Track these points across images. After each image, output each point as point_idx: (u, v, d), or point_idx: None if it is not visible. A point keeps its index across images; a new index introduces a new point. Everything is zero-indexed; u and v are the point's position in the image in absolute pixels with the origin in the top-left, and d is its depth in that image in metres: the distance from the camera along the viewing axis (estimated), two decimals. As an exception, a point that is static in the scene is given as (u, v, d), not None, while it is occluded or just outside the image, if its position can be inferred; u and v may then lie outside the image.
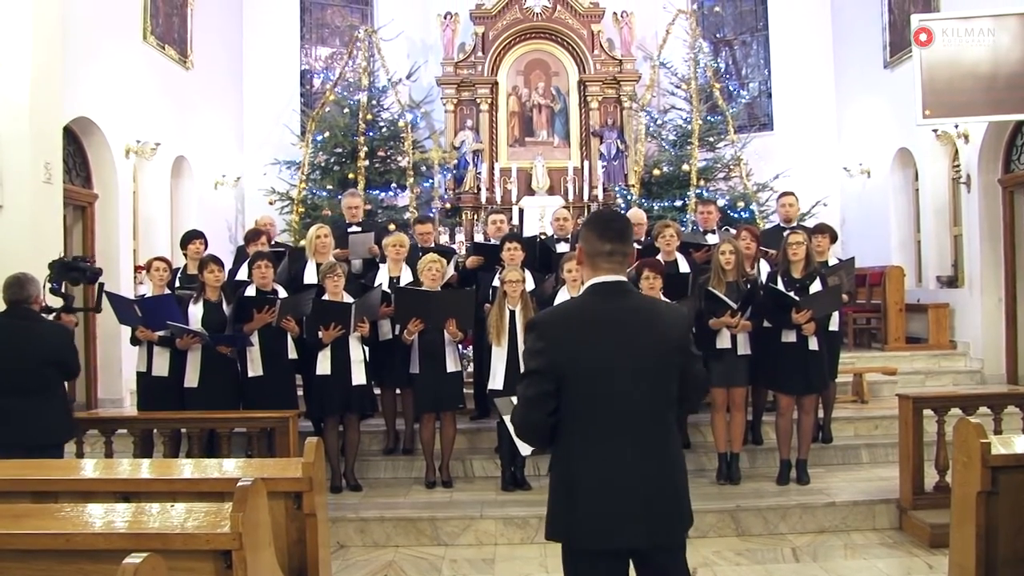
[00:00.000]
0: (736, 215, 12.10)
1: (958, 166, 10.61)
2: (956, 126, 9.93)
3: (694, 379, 3.10)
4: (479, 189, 13.36)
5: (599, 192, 13.26)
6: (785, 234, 7.15)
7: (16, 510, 3.38)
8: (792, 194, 8.45)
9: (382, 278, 7.36)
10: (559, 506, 2.98)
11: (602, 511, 2.88)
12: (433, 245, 8.04)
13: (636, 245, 8.15)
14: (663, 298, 6.13)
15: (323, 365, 6.72)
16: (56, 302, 6.16)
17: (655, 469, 2.92)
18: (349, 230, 8.22)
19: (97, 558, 2.97)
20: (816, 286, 6.66)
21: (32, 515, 3.26)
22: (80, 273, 6.38)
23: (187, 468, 4.55)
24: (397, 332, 7.00)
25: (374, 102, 13.16)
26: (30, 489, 3.98)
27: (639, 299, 3.19)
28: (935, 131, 10.56)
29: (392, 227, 9.93)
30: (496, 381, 6.65)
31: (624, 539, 2.89)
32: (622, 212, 3.27)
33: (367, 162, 12.68)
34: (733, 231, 8.11)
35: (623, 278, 3.05)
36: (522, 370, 3.06)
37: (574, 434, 2.93)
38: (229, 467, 4.32)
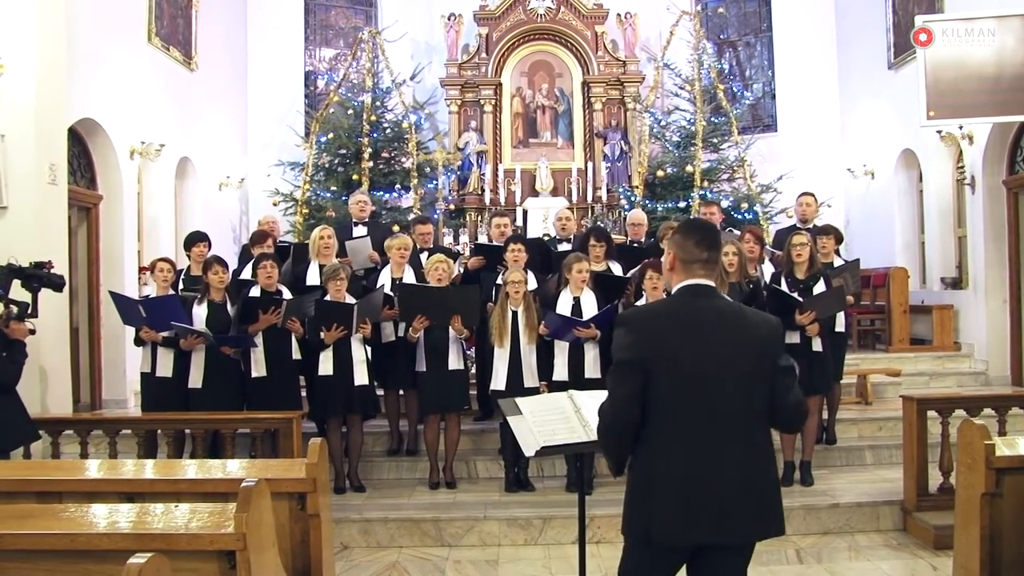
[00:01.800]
0: (740, 216, 12.10)
1: (962, 167, 10.60)
2: (960, 127, 9.91)
3: (788, 400, 3.03)
4: (483, 190, 13.37)
5: (603, 193, 13.26)
6: (789, 235, 7.16)
7: (21, 510, 3.39)
8: (811, 194, 8.48)
9: (385, 279, 7.37)
10: (640, 499, 3.00)
11: (682, 507, 2.90)
12: (432, 246, 8.05)
13: (636, 245, 8.22)
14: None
15: (325, 366, 6.73)
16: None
17: (735, 469, 2.93)
18: (354, 230, 8.23)
19: (101, 558, 2.98)
20: (820, 287, 6.66)
21: (36, 515, 3.27)
22: (39, 280, 6.34)
23: (191, 469, 4.55)
24: (402, 332, 7.01)
25: (378, 103, 13.17)
26: (34, 489, 3.99)
27: (729, 302, 3.20)
28: (939, 132, 10.54)
29: (396, 228, 9.93)
30: (498, 382, 6.65)
31: (700, 536, 2.93)
32: (713, 223, 3.31)
33: (371, 163, 12.69)
34: (736, 232, 8.11)
35: (713, 283, 3.10)
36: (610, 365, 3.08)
37: (657, 432, 2.96)
38: (233, 468, 4.34)
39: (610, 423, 3.04)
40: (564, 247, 7.86)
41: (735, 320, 3.05)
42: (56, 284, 6.60)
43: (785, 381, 3.05)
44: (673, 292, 3.14)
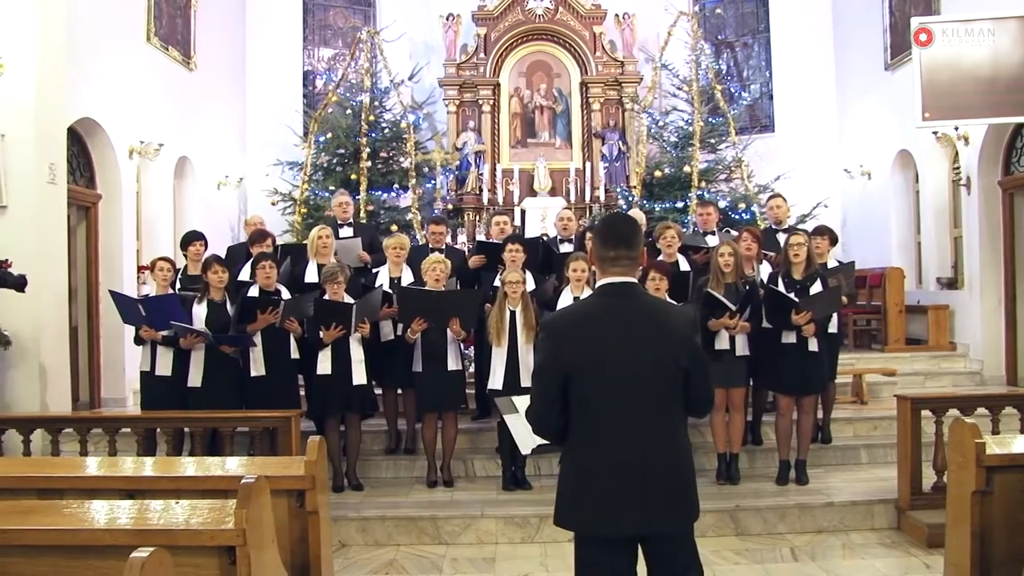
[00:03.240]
0: (737, 217, 12.13)
1: (958, 168, 10.64)
2: (956, 128, 9.96)
3: (700, 389, 3.16)
4: (481, 190, 13.41)
5: (601, 193, 13.30)
6: (786, 235, 7.20)
7: (23, 506, 3.42)
8: (780, 196, 8.58)
9: (383, 279, 7.40)
10: (566, 495, 3.13)
11: (604, 499, 3.01)
12: (444, 246, 8.08)
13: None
14: (669, 300, 6.15)
15: (324, 365, 6.76)
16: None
17: (657, 460, 3.03)
18: (340, 232, 8.24)
19: (103, 554, 3.01)
20: (816, 287, 6.69)
21: (39, 511, 3.30)
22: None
23: (191, 466, 4.59)
24: (400, 332, 7.05)
25: (376, 103, 13.18)
26: (36, 486, 4.03)
27: (646, 298, 3.30)
28: (935, 133, 10.60)
29: (394, 228, 9.97)
30: (496, 381, 6.69)
31: (625, 526, 3.02)
32: (630, 216, 3.39)
33: (369, 163, 12.70)
34: (734, 232, 8.15)
35: (631, 279, 3.18)
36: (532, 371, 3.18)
37: (581, 426, 3.07)
38: (232, 465, 4.37)
39: (533, 421, 3.18)
40: (566, 247, 7.89)
41: (649, 318, 3.14)
42: (16, 284, 6.63)
43: (699, 375, 3.14)
44: (593, 291, 3.29)
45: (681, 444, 3.13)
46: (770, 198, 8.64)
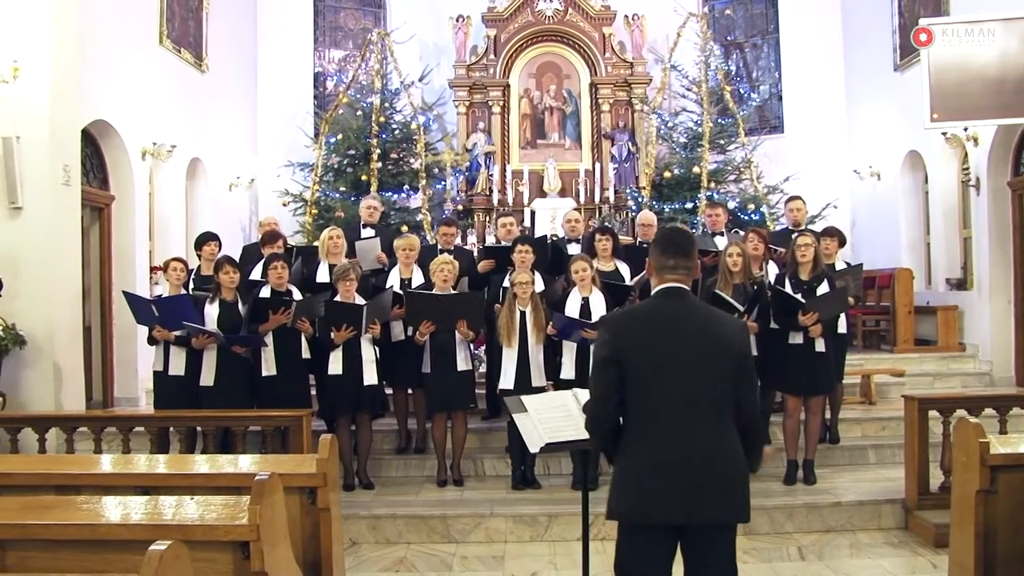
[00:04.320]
0: (747, 217, 12.16)
1: (967, 169, 10.64)
2: (965, 129, 9.95)
3: (748, 393, 3.30)
4: (491, 191, 13.43)
5: (610, 194, 13.31)
6: (794, 236, 7.22)
7: (43, 502, 3.50)
8: (800, 198, 8.56)
9: (393, 280, 7.46)
10: (621, 487, 3.27)
11: (653, 489, 3.14)
12: (453, 248, 8.13)
13: (645, 246, 8.26)
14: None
15: (335, 365, 6.82)
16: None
17: (709, 455, 3.15)
18: (362, 232, 8.32)
19: (120, 548, 3.08)
20: (824, 288, 6.71)
21: (57, 507, 3.38)
22: None
23: (204, 464, 4.65)
24: (409, 333, 7.10)
25: (387, 104, 13.26)
26: (53, 483, 4.10)
27: (699, 303, 3.49)
28: (945, 134, 10.59)
29: (404, 228, 10.03)
30: (506, 381, 6.75)
31: (669, 515, 3.14)
32: (687, 230, 3.56)
33: (380, 164, 12.77)
34: (741, 233, 8.18)
35: (685, 285, 3.35)
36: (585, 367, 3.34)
37: (637, 421, 3.22)
38: (245, 463, 4.44)
39: (592, 415, 3.32)
40: (573, 248, 7.94)
41: (702, 317, 3.34)
42: None
43: (748, 384, 3.32)
44: (652, 294, 3.44)
45: (733, 442, 3.24)
46: (789, 200, 8.64)
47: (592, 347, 3.37)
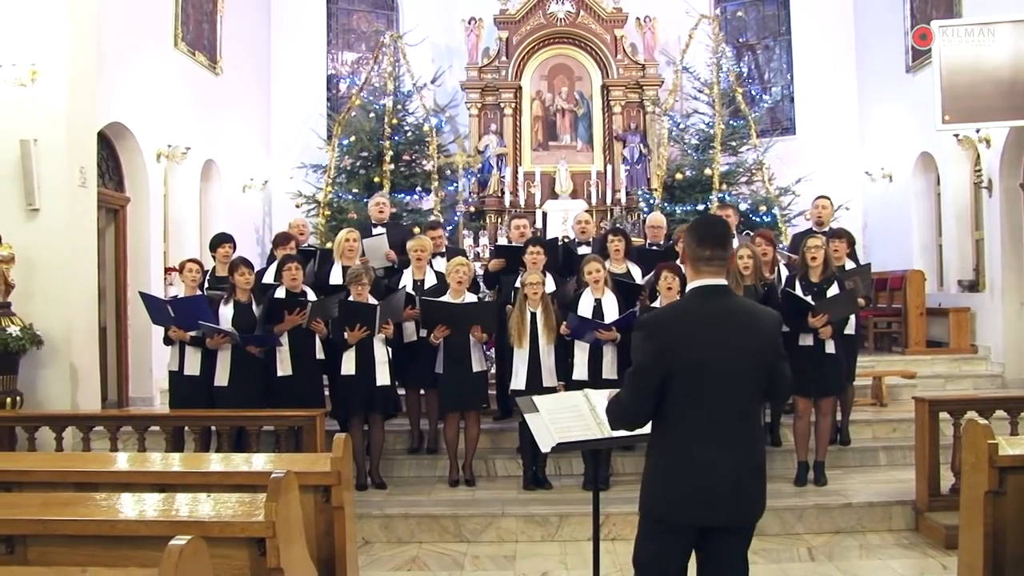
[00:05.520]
0: (758, 219, 12.16)
1: (979, 170, 10.62)
2: (978, 131, 9.94)
3: (782, 380, 3.37)
4: (503, 193, 13.47)
5: (622, 196, 13.33)
6: (804, 239, 7.24)
7: (62, 498, 3.56)
8: (827, 197, 8.57)
9: (406, 280, 7.51)
10: (657, 487, 3.26)
11: (697, 491, 3.16)
12: (444, 249, 8.17)
13: (655, 248, 8.30)
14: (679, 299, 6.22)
15: (348, 365, 6.87)
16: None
17: (744, 454, 3.21)
18: (373, 231, 8.37)
19: (138, 544, 3.13)
20: (833, 290, 6.74)
21: (77, 503, 3.44)
22: None
23: (220, 462, 4.70)
24: (423, 333, 7.15)
25: (399, 106, 13.31)
26: (72, 480, 4.16)
27: (738, 301, 3.45)
28: (957, 136, 10.58)
29: (416, 230, 10.07)
30: (518, 382, 6.79)
31: (717, 516, 3.18)
32: (723, 218, 3.56)
33: (392, 166, 12.83)
34: (751, 234, 8.20)
35: (723, 281, 3.31)
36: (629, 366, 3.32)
37: (675, 423, 3.20)
38: (261, 461, 4.49)
39: (625, 417, 3.31)
40: (583, 250, 7.97)
41: (743, 318, 3.30)
42: None
43: (781, 365, 3.35)
44: (687, 292, 3.39)
45: (760, 438, 3.37)
46: (817, 198, 8.62)
47: (632, 348, 3.31)
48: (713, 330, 3.21)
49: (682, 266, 3.52)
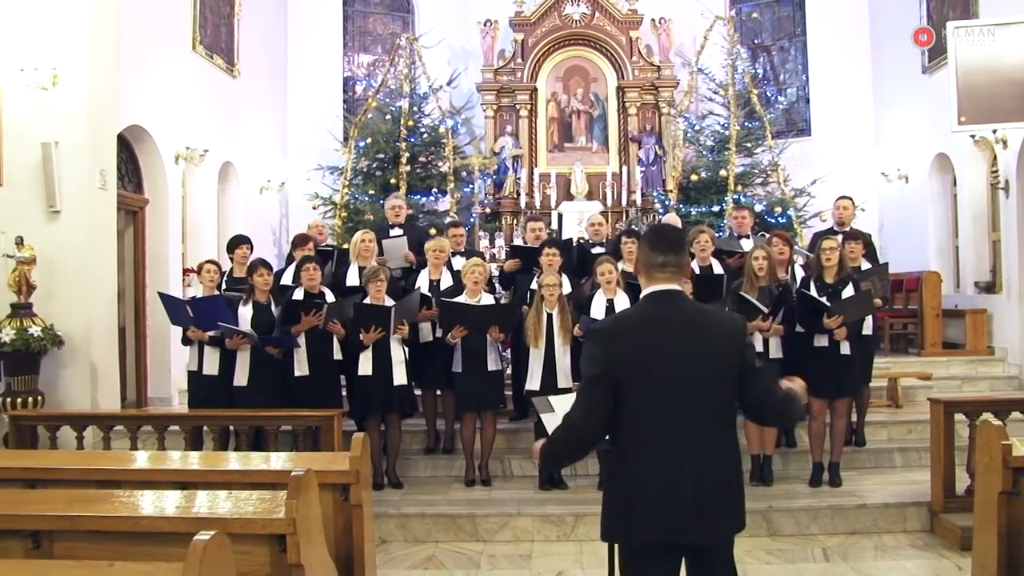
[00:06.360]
0: (774, 220, 12.16)
1: (996, 171, 10.58)
2: (994, 131, 9.89)
3: (768, 397, 3.17)
4: (519, 194, 13.51)
5: (637, 197, 13.34)
6: (820, 239, 7.25)
7: (85, 495, 3.62)
8: (849, 198, 8.54)
9: (422, 281, 7.55)
10: (615, 507, 3.10)
11: (657, 509, 2.98)
12: (464, 249, 8.21)
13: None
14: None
15: (364, 366, 6.92)
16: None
17: (708, 469, 3.01)
18: (390, 232, 8.41)
19: (160, 540, 3.19)
20: (849, 291, 6.74)
21: (100, 500, 3.50)
22: None
23: (239, 461, 4.76)
24: (439, 334, 7.20)
25: (415, 108, 13.37)
26: (94, 478, 4.23)
27: (693, 306, 3.26)
28: (973, 137, 10.53)
29: (433, 231, 10.13)
30: (533, 382, 6.84)
31: (679, 536, 3.00)
32: (677, 226, 3.44)
33: (408, 167, 12.88)
34: (766, 235, 8.21)
35: (677, 287, 3.17)
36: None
37: (630, 435, 3.05)
38: (280, 460, 4.55)
39: (579, 431, 3.12)
40: (598, 251, 7.99)
41: (698, 324, 3.12)
42: None
43: (758, 382, 3.16)
44: (640, 299, 3.24)
45: (731, 453, 3.14)
46: (839, 199, 8.59)
47: (582, 358, 3.21)
48: (664, 336, 3.05)
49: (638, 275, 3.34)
